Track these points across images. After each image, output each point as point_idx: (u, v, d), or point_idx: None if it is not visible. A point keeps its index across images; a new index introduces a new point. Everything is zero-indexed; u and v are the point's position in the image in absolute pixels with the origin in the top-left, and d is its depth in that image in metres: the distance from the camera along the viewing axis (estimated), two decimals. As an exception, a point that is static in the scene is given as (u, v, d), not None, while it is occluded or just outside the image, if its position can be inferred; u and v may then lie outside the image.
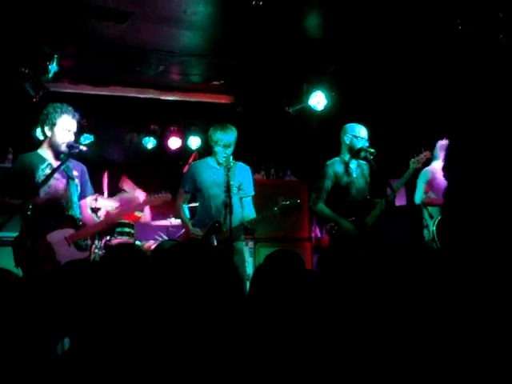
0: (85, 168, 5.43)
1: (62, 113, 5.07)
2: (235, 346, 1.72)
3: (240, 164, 5.96)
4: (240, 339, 1.73)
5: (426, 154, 6.45)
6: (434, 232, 6.95)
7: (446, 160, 6.93)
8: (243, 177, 5.93)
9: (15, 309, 2.28)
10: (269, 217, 5.68)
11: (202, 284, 1.69)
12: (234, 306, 1.72)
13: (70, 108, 5.16)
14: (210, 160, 5.97)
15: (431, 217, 7.03)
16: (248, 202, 5.94)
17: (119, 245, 6.16)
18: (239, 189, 5.85)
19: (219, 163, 5.80)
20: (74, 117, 5.13)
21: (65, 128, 5.06)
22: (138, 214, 8.52)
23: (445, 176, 6.88)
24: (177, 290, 1.68)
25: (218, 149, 5.78)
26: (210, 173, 5.88)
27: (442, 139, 7.07)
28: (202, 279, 1.70)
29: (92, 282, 2.21)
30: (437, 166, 7.11)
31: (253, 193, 6.00)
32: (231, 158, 5.76)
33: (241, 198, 5.88)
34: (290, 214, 5.72)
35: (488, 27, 5.84)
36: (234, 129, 5.84)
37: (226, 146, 5.73)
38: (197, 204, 6.15)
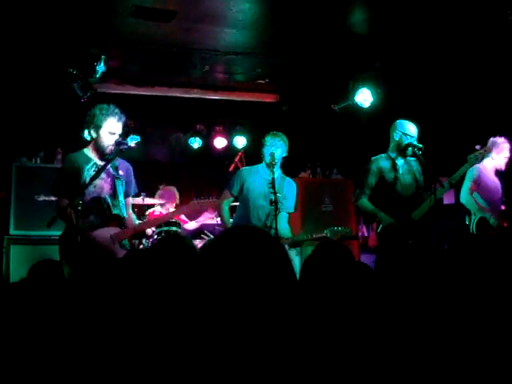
0: (131, 167, 5.43)
1: (107, 115, 5.05)
2: (289, 335, 1.68)
3: (288, 179, 6.11)
4: (293, 329, 1.70)
5: (485, 150, 6.35)
6: (474, 231, 6.89)
7: None
8: (288, 192, 6.03)
9: (69, 304, 2.30)
10: (317, 239, 5.70)
11: (254, 270, 1.66)
12: (287, 294, 1.68)
13: (117, 110, 5.12)
14: (260, 167, 6.03)
15: (474, 215, 6.91)
16: (284, 216, 5.99)
17: (169, 235, 6.18)
18: (281, 201, 5.87)
19: (267, 165, 5.80)
20: (119, 119, 5.10)
21: (110, 131, 5.06)
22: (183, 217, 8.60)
23: None
24: (228, 279, 1.65)
25: (265, 149, 5.86)
26: (258, 182, 5.93)
27: (495, 136, 6.89)
28: (254, 265, 1.66)
29: (142, 271, 2.21)
30: (487, 163, 6.96)
31: (293, 210, 6.11)
32: (279, 171, 5.94)
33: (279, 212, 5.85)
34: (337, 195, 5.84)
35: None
36: (284, 137, 5.93)
37: (273, 146, 5.81)
38: (237, 203, 6.18)
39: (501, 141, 6.86)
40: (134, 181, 5.43)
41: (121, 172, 5.25)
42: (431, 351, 1.97)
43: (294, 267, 1.63)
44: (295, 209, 6.15)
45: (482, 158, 6.56)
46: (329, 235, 5.72)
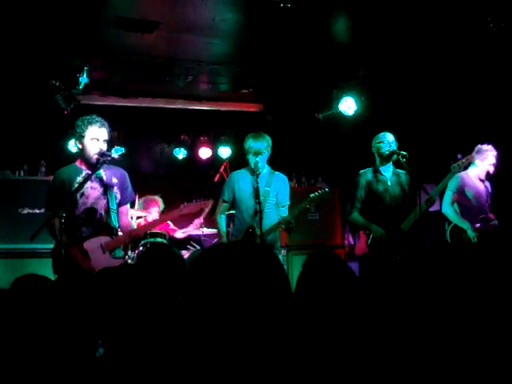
0: (125, 173, 5.37)
1: (88, 124, 5.04)
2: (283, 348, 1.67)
3: (278, 174, 6.12)
4: (287, 340, 1.68)
5: (468, 158, 6.34)
6: (448, 237, 6.94)
7: None
8: (280, 186, 6.06)
9: (50, 314, 2.27)
10: (304, 208, 5.96)
11: (248, 282, 1.65)
12: (280, 304, 1.67)
13: (98, 118, 5.12)
14: (247, 170, 6.05)
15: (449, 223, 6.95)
16: (284, 211, 6.05)
17: (155, 245, 6.15)
18: (276, 197, 5.97)
19: (252, 170, 5.83)
20: (101, 126, 5.08)
21: (93, 138, 5.03)
22: (172, 225, 8.57)
23: None
24: (220, 291, 1.64)
25: (249, 156, 5.87)
26: (247, 183, 5.95)
27: (481, 143, 6.90)
28: (248, 277, 1.65)
29: (127, 283, 2.19)
30: (471, 171, 6.95)
31: (288, 202, 6.12)
32: (267, 167, 5.95)
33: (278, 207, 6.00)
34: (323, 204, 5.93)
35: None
36: (267, 137, 5.93)
37: (256, 154, 5.81)
38: (234, 211, 6.20)
39: (486, 148, 6.85)
40: (130, 188, 5.38)
41: (114, 180, 5.22)
42: (426, 358, 1.97)
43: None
44: (290, 200, 6.16)
45: (466, 167, 6.57)
46: (309, 204, 5.97)
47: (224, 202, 6.08)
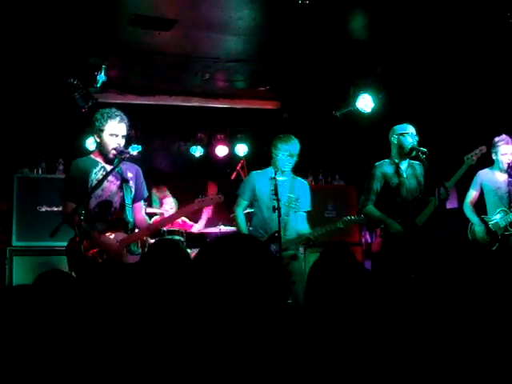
0: (140, 170, 5.39)
1: (108, 118, 5.05)
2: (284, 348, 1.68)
3: (300, 179, 6.17)
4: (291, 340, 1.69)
5: (481, 149, 6.25)
6: (468, 230, 6.95)
7: None
8: (302, 192, 6.09)
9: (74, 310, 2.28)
10: (332, 231, 5.93)
11: (244, 279, 1.66)
12: (274, 304, 1.67)
13: (118, 112, 5.13)
14: (269, 171, 6.02)
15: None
16: (303, 216, 6.09)
17: (161, 240, 6.15)
18: (296, 203, 5.98)
19: (280, 171, 5.82)
20: (121, 121, 5.09)
21: (112, 133, 5.04)
22: (188, 221, 8.60)
23: None
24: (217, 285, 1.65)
25: (281, 157, 5.87)
26: (268, 184, 5.93)
27: (498, 135, 6.82)
28: (245, 274, 1.66)
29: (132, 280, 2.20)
30: (493, 167, 6.89)
31: (309, 208, 6.16)
32: (291, 173, 6.01)
33: (295, 211, 6.01)
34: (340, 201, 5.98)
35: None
36: (297, 141, 5.97)
37: (290, 156, 5.86)
38: (252, 210, 6.21)
39: (497, 139, 6.77)
40: (144, 184, 5.40)
41: (130, 174, 5.24)
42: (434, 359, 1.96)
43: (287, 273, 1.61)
44: (312, 207, 6.18)
45: (479, 158, 6.49)
46: (343, 226, 5.93)
47: (243, 199, 6.12)
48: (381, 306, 2.17)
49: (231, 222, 8.08)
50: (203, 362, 1.61)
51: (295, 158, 5.89)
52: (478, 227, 6.82)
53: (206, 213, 8.53)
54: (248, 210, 6.52)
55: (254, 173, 6.35)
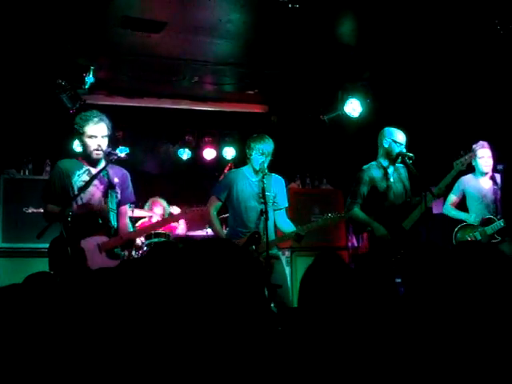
0: (127, 174, 5.38)
1: (85, 120, 5.04)
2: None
3: (275, 176, 6.06)
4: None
5: (471, 155, 6.30)
6: (453, 236, 6.95)
7: None
8: (278, 188, 6.03)
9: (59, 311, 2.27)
10: (314, 228, 5.90)
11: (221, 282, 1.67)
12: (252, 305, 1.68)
13: (96, 113, 5.11)
14: (245, 170, 6.02)
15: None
16: (282, 213, 6.05)
17: (163, 243, 6.13)
18: (274, 200, 5.92)
19: (255, 171, 5.82)
20: (99, 121, 5.06)
21: (91, 135, 5.03)
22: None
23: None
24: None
25: (254, 156, 5.81)
26: (246, 184, 5.92)
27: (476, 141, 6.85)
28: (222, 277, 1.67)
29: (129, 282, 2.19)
30: (475, 173, 6.93)
31: (286, 204, 6.13)
32: (266, 168, 5.82)
33: (274, 210, 5.96)
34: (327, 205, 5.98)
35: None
36: (271, 140, 5.90)
37: (263, 154, 5.78)
38: (227, 215, 6.17)
39: (475, 145, 6.79)
40: (130, 188, 5.37)
41: (116, 179, 5.22)
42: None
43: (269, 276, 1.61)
44: (288, 202, 6.18)
45: (469, 164, 6.52)
46: (324, 223, 5.92)
47: (218, 200, 6.00)
48: (374, 310, 2.18)
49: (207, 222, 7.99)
50: (189, 365, 1.61)
51: (269, 158, 5.82)
52: (468, 219, 6.82)
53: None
54: (223, 216, 6.47)
55: (229, 172, 6.38)
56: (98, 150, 5.02)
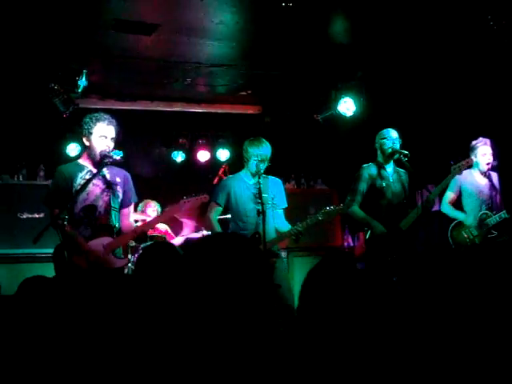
0: (128, 175, 5.39)
1: (96, 121, 5.07)
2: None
3: (272, 178, 6.08)
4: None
5: (468, 161, 6.34)
6: (448, 235, 6.93)
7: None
8: (276, 190, 6.04)
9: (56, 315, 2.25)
10: (314, 224, 5.85)
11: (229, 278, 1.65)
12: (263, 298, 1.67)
13: (106, 115, 5.17)
14: (243, 174, 6.03)
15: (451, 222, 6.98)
16: (280, 214, 6.06)
17: (155, 243, 6.10)
18: (273, 201, 5.93)
19: (252, 174, 5.82)
20: (109, 123, 5.12)
21: (101, 135, 5.06)
22: (171, 233, 8.55)
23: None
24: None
25: (252, 162, 5.80)
26: (243, 188, 5.94)
27: (475, 139, 6.86)
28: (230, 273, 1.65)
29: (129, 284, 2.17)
30: (473, 170, 6.92)
31: (285, 205, 6.13)
32: (262, 170, 5.81)
33: (273, 211, 5.97)
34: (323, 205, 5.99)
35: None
36: (269, 144, 5.90)
37: (262, 161, 5.78)
38: (228, 216, 6.16)
39: (475, 142, 6.81)
40: (133, 190, 5.37)
41: (118, 179, 5.23)
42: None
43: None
44: (288, 203, 6.16)
45: (466, 169, 6.54)
46: (323, 218, 5.85)
47: (218, 205, 6.00)
48: (379, 311, 2.16)
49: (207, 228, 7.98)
50: (193, 363, 1.59)
51: (267, 163, 5.82)
52: (464, 220, 6.81)
53: (188, 228, 8.52)
54: (223, 216, 6.45)
55: (228, 178, 6.37)
56: (100, 152, 5.02)
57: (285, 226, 5.98)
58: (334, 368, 1.75)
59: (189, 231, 8.67)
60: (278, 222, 6.00)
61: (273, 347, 1.68)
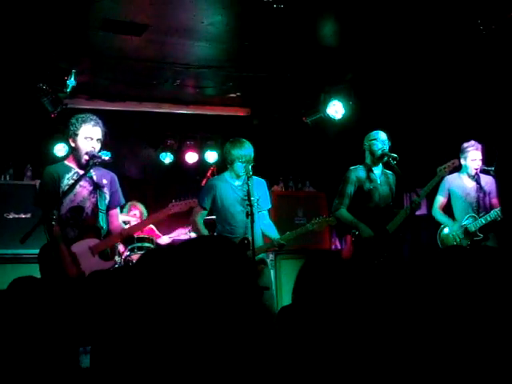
0: (115, 177, 5.37)
1: (82, 122, 5.06)
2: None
3: (256, 178, 6.03)
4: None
5: (453, 162, 6.40)
6: (438, 237, 7.04)
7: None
8: (260, 191, 6.02)
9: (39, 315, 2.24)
10: (303, 234, 5.94)
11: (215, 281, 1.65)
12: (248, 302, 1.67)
13: (92, 116, 5.14)
14: (227, 176, 6.00)
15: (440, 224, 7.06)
16: (265, 215, 6.07)
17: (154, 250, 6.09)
18: (257, 203, 5.90)
19: (237, 176, 5.80)
20: (95, 124, 5.10)
21: (86, 136, 5.04)
22: (156, 231, 8.53)
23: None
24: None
25: (238, 164, 5.78)
26: (229, 190, 5.92)
27: (466, 141, 6.89)
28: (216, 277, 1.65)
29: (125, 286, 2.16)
30: (461, 173, 6.95)
31: (270, 206, 6.15)
32: (251, 170, 5.77)
33: (258, 212, 5.92)
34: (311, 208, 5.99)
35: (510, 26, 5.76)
36: (250, 144, 5.92)
37: (247, 161, 5.76)
38: (213, 217, 6.14)
39: (466, 145, 6.85)
40: (119, 191, 5.36)
41: (104, 181, 5.22)
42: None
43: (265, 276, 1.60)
44: (272, 205, 6.20)
45: (452, 170, 6.59)
46: (313, 228, 5.90)
47: (203, 208, 5.97)
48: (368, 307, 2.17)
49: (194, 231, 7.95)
50: (181, 363, 1.59)
51: (251, 163, 5.78)
52: (450, 227, 6.86)
53: (177, 233, 8.51)
54: (209, 217, 6.43)
55: (211, 179, 6.38)
56: (88, 153, 5.00)
57: (269, 227, 6.00)
58: (327, 363, 1.75)
59: (178, 234, 8.64)
60: (263, 223, 5.99)
61: (259, 348, 1.68)
